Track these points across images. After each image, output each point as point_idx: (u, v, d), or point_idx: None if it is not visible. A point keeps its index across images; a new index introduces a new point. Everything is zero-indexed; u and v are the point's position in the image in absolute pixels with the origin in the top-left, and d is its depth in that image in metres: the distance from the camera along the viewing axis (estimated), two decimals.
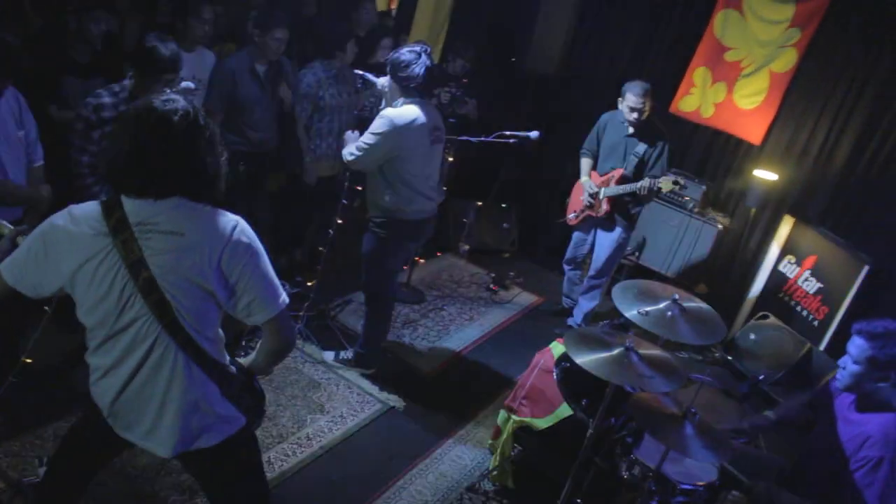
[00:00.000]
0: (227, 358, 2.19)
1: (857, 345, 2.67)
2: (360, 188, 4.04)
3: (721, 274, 5.99)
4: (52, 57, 4.16)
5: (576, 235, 5.28)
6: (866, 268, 4.78)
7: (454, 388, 4.40)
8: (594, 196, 4.89)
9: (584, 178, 4.99)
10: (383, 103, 3.84)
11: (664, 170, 4.72)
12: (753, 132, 5.71)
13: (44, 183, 3.32)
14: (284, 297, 2.08)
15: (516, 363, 4.68)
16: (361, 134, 3.72)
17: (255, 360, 2.25)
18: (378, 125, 3.60)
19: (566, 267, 5.43)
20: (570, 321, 5.32)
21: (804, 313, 5.16)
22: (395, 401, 4.09)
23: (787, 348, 4.88)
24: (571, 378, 3.15)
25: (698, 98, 5.92)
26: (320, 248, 4.34)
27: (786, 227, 5.49)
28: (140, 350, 2.00)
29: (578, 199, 5.07)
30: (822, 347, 4.89)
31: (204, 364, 2.06)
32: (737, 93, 5.75)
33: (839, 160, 5.43)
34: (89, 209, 1.96)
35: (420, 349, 4.68)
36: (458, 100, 5.59)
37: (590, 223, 5.11)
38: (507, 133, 4.74)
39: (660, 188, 4.57)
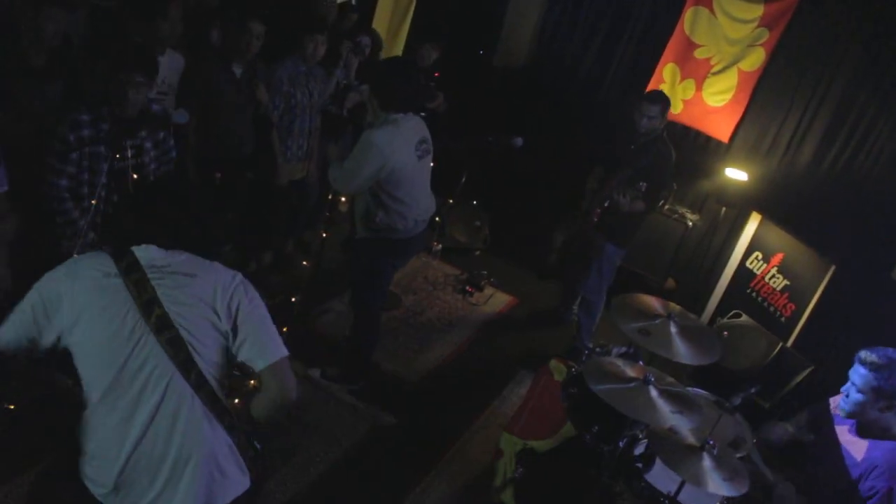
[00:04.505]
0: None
1: (860, 374, 2.70)
2: (343, 199, 3.96)
3: (688, 271, 6.09)
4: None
5: None
6: (833, 267, 4.93)
7: (443, 399, 4.36)
8: (590, 203, 4.68)
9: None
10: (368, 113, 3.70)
11: (664, 186, 4.52)
12: (722, 129, 5.79)
13: (8, 211, 3.01)
14: (285, 349, 2.08)
15: (500, 370, 4.70)
16: (338, 142, 3.56)
17: (251, 412, 2.13)
18: (361, 148, 3.44)
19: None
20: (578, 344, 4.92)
21: (771, 309, 5.30)
22: (386, 416, 4.03)
23: (759, 346, 5.00)
24: (581, 405, 3.15)
25: (667, 94, 5.93)
26: (304, 263, 4.21)
27: (752, 224, 5.58)
28: (153, 398, 1.91)
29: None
30: (789, 343, 5.05)
31: (218, 412, 2.00)
32: (706, 90, 5.81)
33: (804, 159, 5.56)
34: (95, 256, 2.01)
35: (404, 359, 4.60)
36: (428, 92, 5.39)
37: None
38: (490, 138, 4.66)
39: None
